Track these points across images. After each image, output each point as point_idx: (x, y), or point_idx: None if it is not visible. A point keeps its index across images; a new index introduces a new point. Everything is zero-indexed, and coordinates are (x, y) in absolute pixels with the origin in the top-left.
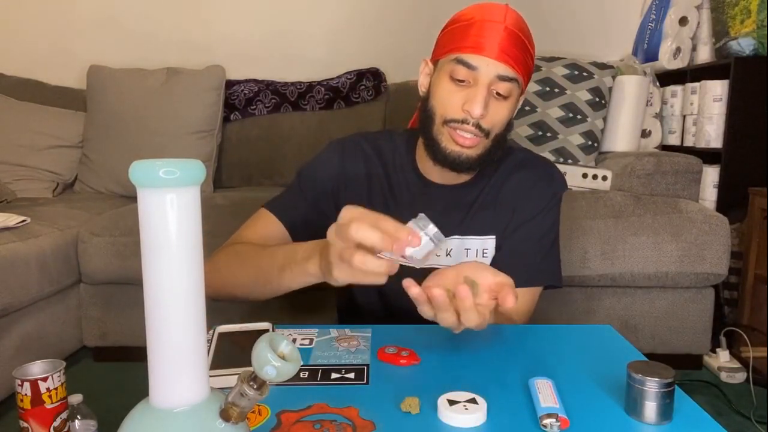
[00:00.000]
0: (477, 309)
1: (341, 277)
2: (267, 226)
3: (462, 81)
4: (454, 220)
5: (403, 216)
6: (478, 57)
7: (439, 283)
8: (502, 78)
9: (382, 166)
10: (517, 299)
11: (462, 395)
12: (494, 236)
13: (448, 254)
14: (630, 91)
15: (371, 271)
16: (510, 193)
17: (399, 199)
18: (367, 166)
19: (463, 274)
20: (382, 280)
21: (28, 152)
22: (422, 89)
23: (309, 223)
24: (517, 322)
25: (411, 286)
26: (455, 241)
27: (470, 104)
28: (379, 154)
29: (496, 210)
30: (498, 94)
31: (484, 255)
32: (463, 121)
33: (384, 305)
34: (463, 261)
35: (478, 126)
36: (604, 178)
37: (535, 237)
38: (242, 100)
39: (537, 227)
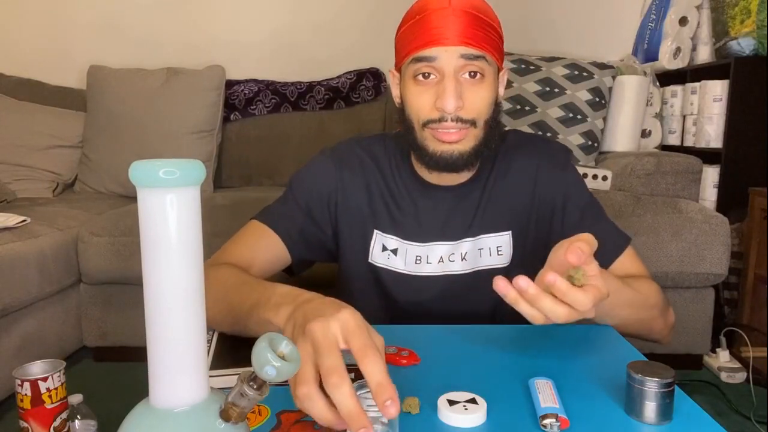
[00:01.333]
0: (584, 288)
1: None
2: (260, 239)
3: (427, 78)
4: (462, 222)
5: (407, 223)
6: (433, 48)
7: (542, 282)
8: (467, 57)
9: (380, 173)
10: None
11: (462, 395)
12: (509, 231)
13: (463, 258)
14: (630, 91)
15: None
16: (520, 181)
17: (401, 207)
18: (365, 173)
19: (553, 265)
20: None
21: (28, 152)
22: (397, 101)
23: (306, 233)
24: (652, 300)
25: (511, 286)
26: (467, 244)
27: (441, 100)
28: (375, 161)
29: (510, 202)
30: (470, 76)
31: (499, 253)
32: (441, 119)
33: (385, 307)
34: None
35: (458, 119)
36: (604, 178)
37: (587, 212)
38: (242, 100)
39: (579, 202)
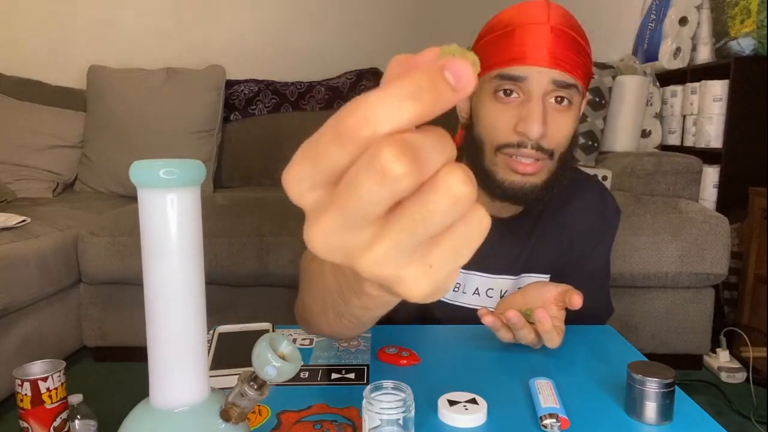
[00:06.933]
0: (555, 327)
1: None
2: None
3: (509, 95)
4: (506, 257)
5: None
6: (525, 67)
7: (511, 307)
8: (559, 84)
9: None
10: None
11: (462, 395)
12: (549, 274)
13: (502, 296)
14: (630, 91)
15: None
16: (570, 227)
17: None
18: None
19: (528, 296)
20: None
21: (28, 152)
22: (463, 115)
23: None
24: None
25: (485, 315)
26: (508, 282)
27: (525, 123)
28: None
29: (556, 246)
30: (557, 101)
31: None
32: (520, 145)
33: (422, 318)
34: (526, 284)
35: (539, 148)
36: (604, 178)
37: (587, 275)
38: (242, 100)
39: (592, 263)
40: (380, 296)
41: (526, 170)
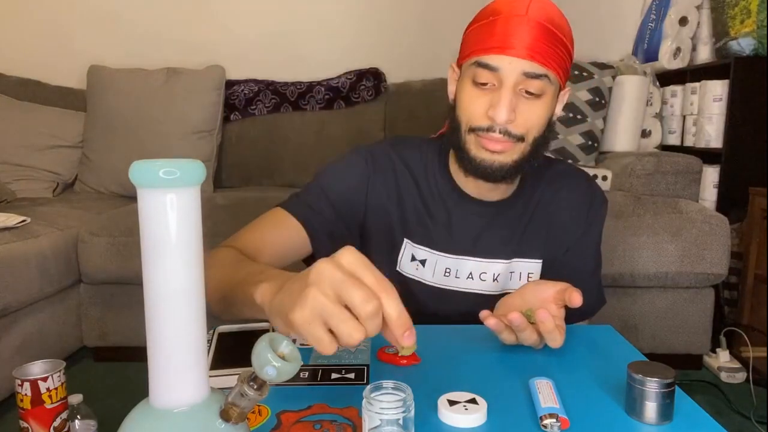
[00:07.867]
0: (556, 327)
1: (296, 320)
2: (277, 227)
3: (485, 85)
4: (497, 241)
5: (438, 233)
6: (499, 57)
7: (510, 309)
8: (529, 75)
9: (413, 180)
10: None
11: (462, 395)
12: (540, 260)
13: (495, 279)
14: (630, 91)
15: (347, 333)
16: (559, 215)
17: (433, 214)
18: (397, 178)
19: (526, 296)
20: (330, 351)
21: (28, 152)
22: (451, 97)
23: (330, 226)
24: None
25: (488, 318)
26: (500, 266)
27: (494, 110)
28: (408, 167)
29: (546, 233)
30: (528, 92)
31: (529, 279)
32: (489, 129)
33: (413, 312)
34: (523, 285)
35: (506, 132)
36: (604, 178)
37: (578, 265)
38: (242, 100)
39: (582, 253)
40: (252, 308)
41: (495, 148)
